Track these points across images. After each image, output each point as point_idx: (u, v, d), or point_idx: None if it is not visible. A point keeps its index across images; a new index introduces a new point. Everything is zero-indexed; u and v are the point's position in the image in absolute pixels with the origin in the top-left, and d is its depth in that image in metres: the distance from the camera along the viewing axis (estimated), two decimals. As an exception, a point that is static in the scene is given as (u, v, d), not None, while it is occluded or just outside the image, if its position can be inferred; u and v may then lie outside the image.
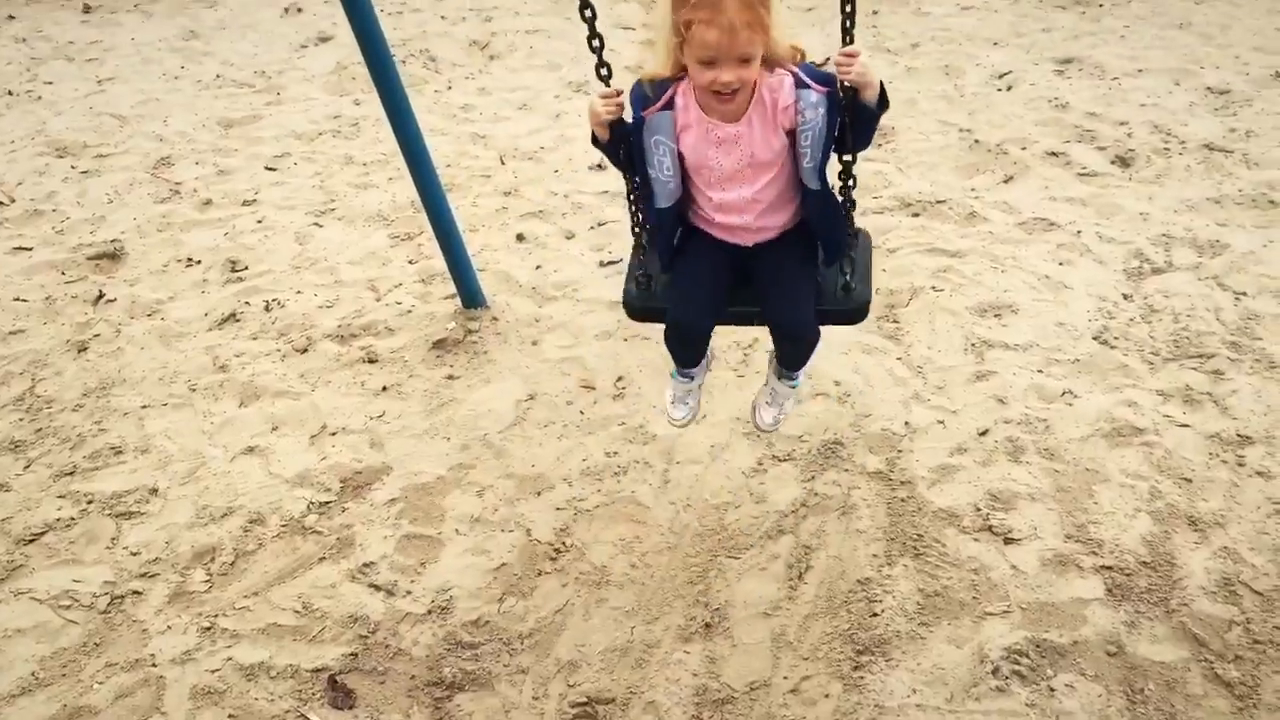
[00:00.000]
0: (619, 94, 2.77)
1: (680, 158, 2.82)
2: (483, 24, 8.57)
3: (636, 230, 3.09)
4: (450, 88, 7.37)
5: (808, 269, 2.98)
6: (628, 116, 2.83)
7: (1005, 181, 5.64)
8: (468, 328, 4.71)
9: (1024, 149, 5.92)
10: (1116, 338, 4.40)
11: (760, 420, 3.48)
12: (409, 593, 3.48)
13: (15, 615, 3.44)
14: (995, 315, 4.59)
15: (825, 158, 2.74)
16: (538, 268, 5.18)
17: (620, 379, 4.37)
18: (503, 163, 6.23)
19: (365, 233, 5.61)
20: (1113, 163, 5.76)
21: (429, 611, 3.41)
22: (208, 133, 6.86)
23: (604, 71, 2.75)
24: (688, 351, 3.23)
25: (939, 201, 5.46)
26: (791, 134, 2.72)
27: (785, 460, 3.94)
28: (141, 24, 9.03)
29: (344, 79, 7.62)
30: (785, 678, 3.16)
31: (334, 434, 4.19)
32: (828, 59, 2.57)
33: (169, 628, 3.37)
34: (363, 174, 6.23)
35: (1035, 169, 5.72)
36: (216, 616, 3.40)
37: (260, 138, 6.73)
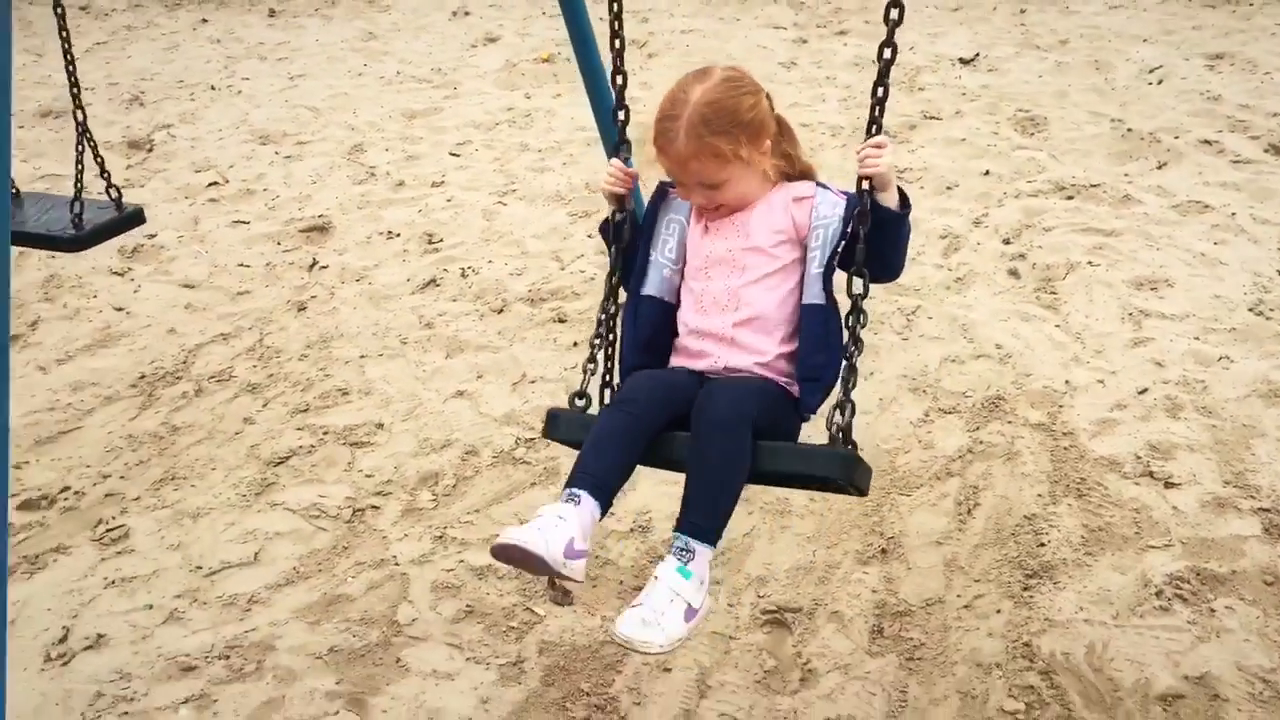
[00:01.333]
0: (635, 175, 2.60)
1: (684, 247, 2.58)
2: (639, 24, 9.04)
3: (595, 341, 2.62)
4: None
5: (763, 401, 2.40)
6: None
7: (1159, 168, 5.85)
8: (649, 293, 5.12)
9: (1176, 138, 6.11)
10: (1272, 309, 4.60)
11: (618, 625, 2.24)
12: (613, 514, 3.86)
13: (273, 522, 3.95)
14: (1151, 288, 4.82)
15: (832, 268, 2.40)
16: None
17: (793, 339, 4.73)
18: (669, 150, 6.65)
19: (546, 211, 6.08)
20: (1266, 151, 5.91)
21: (631, 530, 3.81)
22: (394, 123, 7.45)
23: (623, 149, 2.62)
24: (609, 446, 2.44)
25: (1093, 185, 5.70)
26: (803, 242, 2.46)
27: (950, 413, 4.24)
28: (323, 27, 9.74)
29: (514, 75, 8.16)
30: (959, 596, 3.47)
31: (533, 382, 4.64)
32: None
33: (405, 536, 3.84)
34: (539, 160, 6.72)
35: (1188, 156, 5.91)
36: (446, 528, 3.86)
37: (443, 127, 7.29)
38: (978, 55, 7.64)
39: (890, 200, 2.36)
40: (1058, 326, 4.65)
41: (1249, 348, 4.39)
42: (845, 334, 2.37)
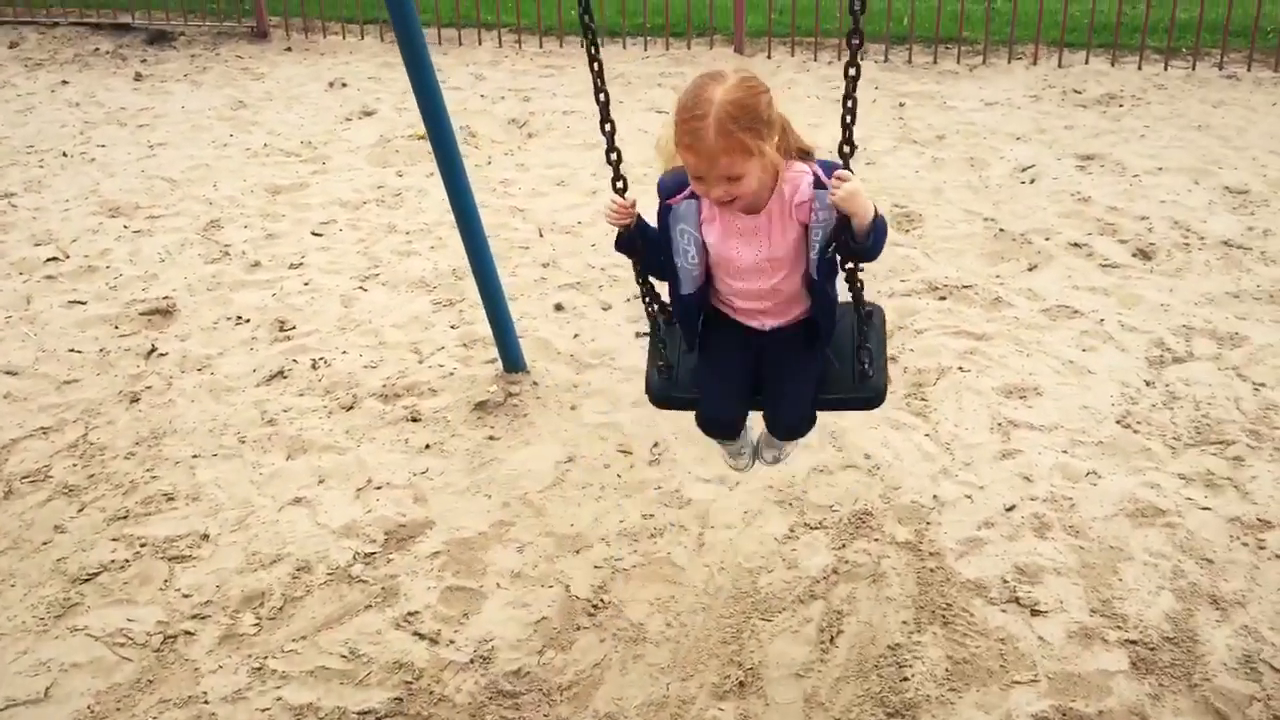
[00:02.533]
0: (632, 204, 2.88)
1: (704, 247, 2.92)
2: (521, 103, 8.88)
3: (651, 310, 3.18)
4: (490, 162, 7.63)
5: (813, 362, 3.06)
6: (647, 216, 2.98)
7: (1030, 270, 5.83)
8: (509, 391, 4.87)
9: (1048, 239, 6.12)
10: (1139, 422, 4.53)
11: (763, 457, 3.53)
12: (452, 642, 3.59)
13: (71, 651, 3.55)
14: (1020, 397, 4.73)
15: (826, 253, 2.80)
16: (575, 336, 5.35)
17: (656, 445, 4.51)
18: (541, 235, 6.45)
19: (408, 298, 5.80)
20: (1134, 255, 5.95)
21: (471, 660, 3.51)
22: (256, 198, 7.11)
23: (619, 185, 2.89)
24: (724, 436, 3.31)
25: (965, 286, 5.64)
26: (805, 230, 2.82)
27: (817, 528, 4.06)
28: (191, 93, 9.37)
29: (388, 152, 7.90)
30: (818, 737, 3.24)
31: (379, 488, 4.33)
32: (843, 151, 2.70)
33: (220, 667, 3.48)
34: (406, 242, 6.45)
35: (1059, 258, 5.91)
36: (266, 658, 3.51)
37: (307, 204, 6.98)
38: (856, 147, 7.63)
39: (860, 226, 2.67)
40: (927, 435, 4.52)
41: (1116, 462, 4.31)
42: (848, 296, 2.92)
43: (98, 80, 9.71)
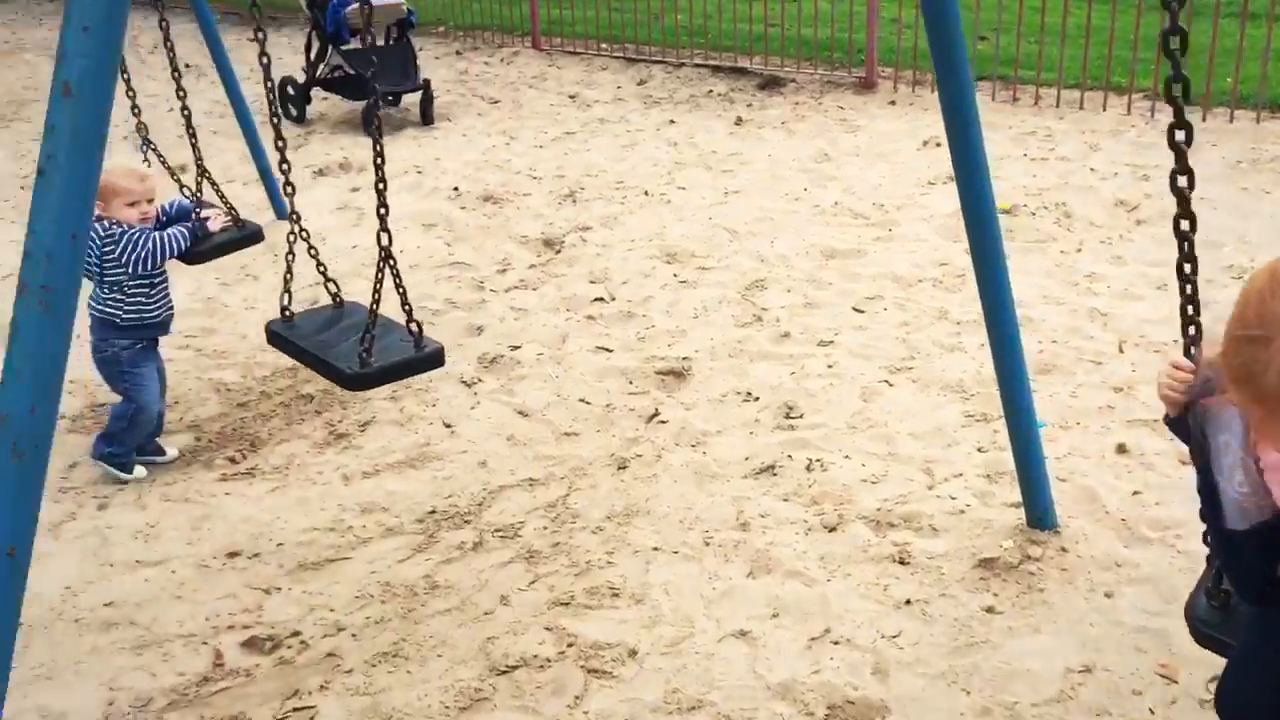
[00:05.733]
0: (1192, 370, 2.20)
1: (1262, 482, 2.04)
2: (1137, 183, 7.60)
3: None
4: (1080, 250, 6.54)
5: None
6: None
7: None
8: (1027, 552, 3.89)
9: None
10: None
11: None
12: None
13: (459, 755, 3.24)
14: None
15: None
16: (1135, 494, 4.19)
17: (1212, 680, 3.29)
18: (1121, 350, 5.28)
19: (938, 402, 4.97)
20: None
21: None
22: (807, 260, 6.66)
23: (1192, 330, 2.40)
24: None
25: None
26: None
27: None
28: (783, 141, 9.22)
29: (962, 225, 7.06)
30: None
31: (836, 643, 3.58)
32: None
33: (591, 831, 2.96)
34: (954, 333, 5.61)
35: None
36: (644, 837, 2.93)
37: (857, 274, 6.39)
38: None
39: None
40: None
41: None
42: None
43: (700, 122, 9.91)
